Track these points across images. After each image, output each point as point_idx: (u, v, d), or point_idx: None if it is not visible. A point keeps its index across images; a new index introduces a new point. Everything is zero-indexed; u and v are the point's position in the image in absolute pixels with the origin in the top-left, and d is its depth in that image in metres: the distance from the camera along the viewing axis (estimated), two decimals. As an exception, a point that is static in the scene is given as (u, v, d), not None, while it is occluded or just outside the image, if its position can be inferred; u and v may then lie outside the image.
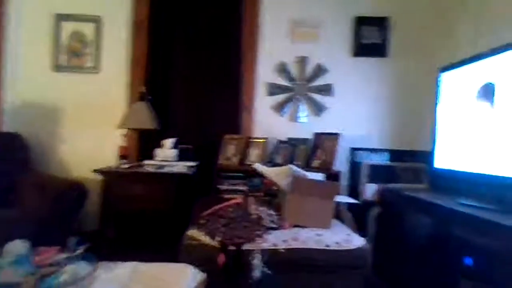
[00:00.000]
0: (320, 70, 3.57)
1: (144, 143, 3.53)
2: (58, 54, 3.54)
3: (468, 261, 1.88)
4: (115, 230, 3.00)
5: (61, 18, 3.54)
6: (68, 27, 3.54)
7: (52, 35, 3.53)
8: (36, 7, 3.53)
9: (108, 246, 2.53)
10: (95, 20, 3.54)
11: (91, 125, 3.52)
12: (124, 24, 3.55)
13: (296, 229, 2.45)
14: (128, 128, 3.34)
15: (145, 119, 3.25)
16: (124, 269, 1.24)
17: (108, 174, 3.06)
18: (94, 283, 1.00)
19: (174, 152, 3.22)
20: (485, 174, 2.14)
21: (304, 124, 3.58)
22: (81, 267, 0.97)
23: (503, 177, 2.00)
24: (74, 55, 3.55)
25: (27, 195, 2.84)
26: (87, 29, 3.54)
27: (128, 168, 3.16)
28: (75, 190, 2.86)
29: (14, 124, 3.41)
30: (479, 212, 1.92)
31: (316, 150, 3.32)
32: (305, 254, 2.25)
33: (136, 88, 3.48)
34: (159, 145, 3.29)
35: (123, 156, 3.26)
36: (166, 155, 3.19)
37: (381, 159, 3.39)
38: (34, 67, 3.52)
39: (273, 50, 3.58)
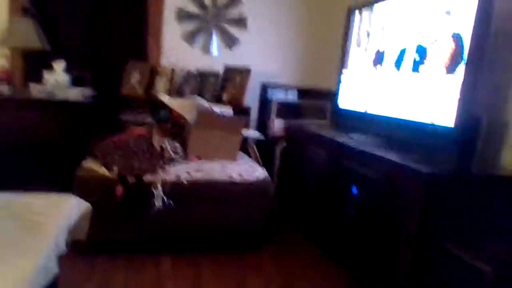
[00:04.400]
0: (234, 0, 3.39)
1: (29, 65, 3.08)
2: None
3: (354, 189, 2.07)
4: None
5: None
6: None
7: None
8: None
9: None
10: None
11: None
12: None
13: (201, 162, 2.43)
14: (9, 47, 2.86)
15: (30, 37, 2.80)
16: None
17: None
18: None
19: (66, 77, 2.87)
20: (378, 115, 2.29)
21: (215, 57, 3.44)
22: None
23: (393, 118, 2.15)
24: None
25: None
26: None
27: (12, 93, 2.76)
28: None
29: None
30: (364, 146, 2.08)
31: (226, 84, 3.24)
32: (208, 185, 2.26)
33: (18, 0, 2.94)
34: (48, 68, 2.89)
35: (4, 80, 2.82)
36: (57, 80, 2.82)
37: (290, 96, 3.44)
38: None
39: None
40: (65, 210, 1.14)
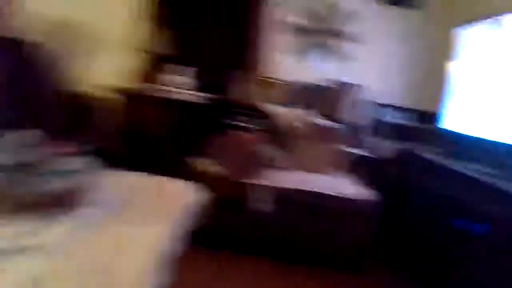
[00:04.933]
0: (349, 16, 3.40)
1: (156, 68, 3.46)
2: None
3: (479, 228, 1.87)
4: (122, 149, 3.02)
5: None
6: None
7: None
8: None
9: (116, 162, 2.56)
10: None
11: (106, 45, 3.42)
12: None
13: (303, 171, 2.47)
14: (139, 51, 3.25)
15: (157, 42, 3.16)
16: (129, 177, 1.26)
17: (120, 94, 3.05)
18: (97, 185, 1.03)
19: (186, 80, 3.17)
20: (497, 141, 2.09)
21: (322, 71, 3.47)
22: (89, 162, 0.99)
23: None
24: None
25: (36, 106, 2.84)
26: None
27: (139, 91, 3.14)
28: (84, 104, 2.87)
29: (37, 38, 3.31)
30: (493, 180, 1.88)
31: (333, 98, 3.25)
32: (306, 195, 2.29)
33: (149, 10, 3.34)
34: (169, 71, 3.23)
35: (136, 79, 3.22)
36: (176, 82, 3.14)
37: (399, 117, 3.33)
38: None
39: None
40: (188, 193, 1.27)
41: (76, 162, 0.96)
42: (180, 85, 3.15)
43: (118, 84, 3.17)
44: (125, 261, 0.77)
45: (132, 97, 3.08)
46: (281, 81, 3.36)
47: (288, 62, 3.49)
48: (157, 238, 0.89)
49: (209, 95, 3.27)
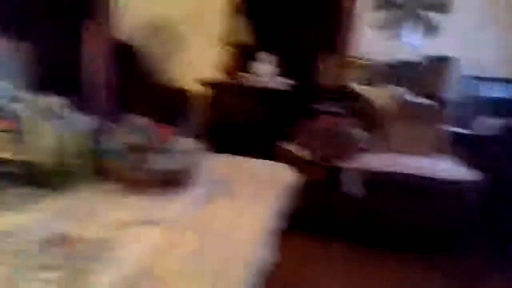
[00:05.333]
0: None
1: (242, 57, 3.55)
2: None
3: None
4: (216, 140, 3.18)
5: None
6: None
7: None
8: None
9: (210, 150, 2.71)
10: None
11: (195, 39, 3.60)
12: None
13: (398, 154, 2.35)
14: (227, 43, 3.36)
15: (243, 34, 3.23)
16: (226, 159, 1.32)
17: (210, 86, 3.20)
18: (198, 167, 1.08)
19: (270, 68, 3.20)
20: None
21: (413, 46, 3.23)
22: (192, 142, 1.06)
23: None
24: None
25: (138, 100, 3.12)
26: None
27: (227, 82, 3.26)
28: (179, 97, 3.08)
29: (127, 35, 3.63)
30: None
31: (425, 75, 3.02)
32: (402, 178, 2.17)
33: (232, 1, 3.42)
34: (255, 60, 3.28)
35: (224, 70, 3.34)
36: (263, 70, 3.18)
37: (498, 90, 2.97)
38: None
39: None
40: (283, 175, 1.29)
41: (185, 144, 1.03)
42: (267, 74, 3.19)
43: (209, 77, 3.32)
44: (238, 231, 0.81)
45: (221, 88, 3.22)
46: (370, 60, 3.21)
47: (378, 40, 3.31)
48: (264, 214, 0.91)
49: (294, 82, 3.26)
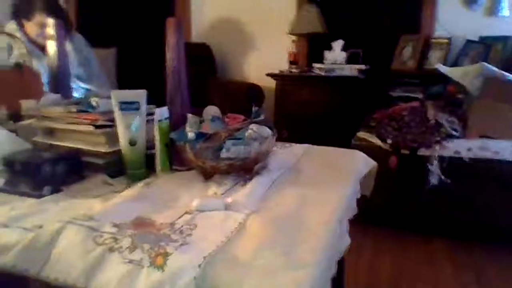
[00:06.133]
0: None
1: (313, 46, 3.50)
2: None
3: None
4: (287, 132, 3.18)
5: None
6: None
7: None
8: None
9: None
10: None
11: (265, 33, 3.63)
12: None
13: (487, 139, 2.14)
14: (297, 33, 3.33)
15: (314, 23, 3.16)
16: (298, 147, 1.32)
17: (280, 79, 3.21)
18: (271, 155, 1.09)
19: (343, 55, 3.10)
20: None
21: (504, 19, 2.90)
22: (264, 130, 1.07)
23: None
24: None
25: (212, 96, 3.24)
26: None
27: (298, 72, 3.23)
28: (252, 91, 3.13)
29: (201, 36, 3.80)
30: None
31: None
32: (494, 166, 1.98)
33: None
34: (327, 48, 3.20)
35: (293, 62, 3.32)
36: (335, 58, 3.10)
37: None
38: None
39: None
40: (355, 162, 1.25)
41: (259, 132, 1.05)
42: (339, 62, 3.10)
43: (281, 69, 3.33)
44: (311, 212, 0.81)
45: (293, 80, 3.21)
46: (445, 39, 2.96)
47: (451, 15, 3.03)
48: (337, 199, 0.90)
49: (370, 68, 3.13)
